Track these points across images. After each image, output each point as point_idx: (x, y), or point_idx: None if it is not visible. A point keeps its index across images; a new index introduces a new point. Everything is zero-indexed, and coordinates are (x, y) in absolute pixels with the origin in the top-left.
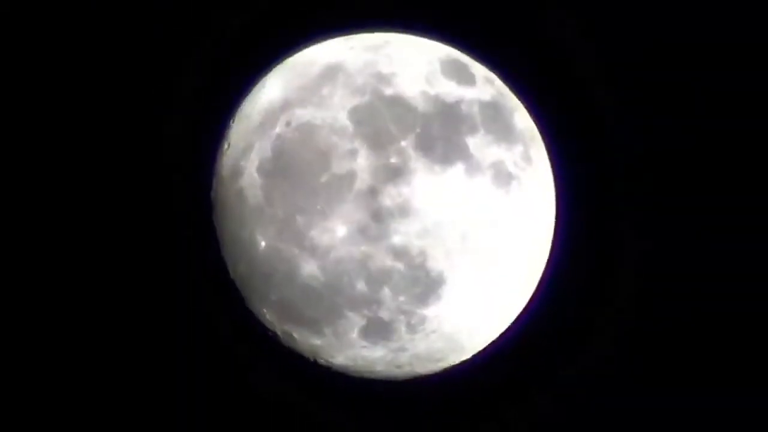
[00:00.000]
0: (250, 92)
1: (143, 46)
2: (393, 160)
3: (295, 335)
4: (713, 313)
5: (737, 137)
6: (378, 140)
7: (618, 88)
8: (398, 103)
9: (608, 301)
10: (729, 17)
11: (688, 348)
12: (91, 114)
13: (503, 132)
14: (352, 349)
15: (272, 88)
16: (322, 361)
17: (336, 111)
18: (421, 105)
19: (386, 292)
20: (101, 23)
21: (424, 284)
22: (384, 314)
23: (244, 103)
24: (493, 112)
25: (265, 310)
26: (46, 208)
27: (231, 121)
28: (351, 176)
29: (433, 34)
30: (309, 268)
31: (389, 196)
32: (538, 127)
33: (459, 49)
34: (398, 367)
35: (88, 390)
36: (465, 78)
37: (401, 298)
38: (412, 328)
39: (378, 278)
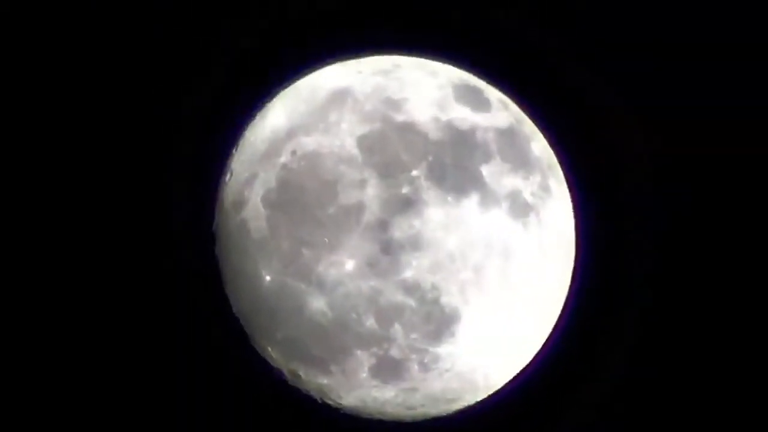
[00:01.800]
0: (253, 119)
1: (144, 71)
2: (404, 190)
3: (302, 374)
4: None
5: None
6: (388, 169)
7: (641, 114)
8: (409, 130)
9: (630, 338)
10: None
11: (713, 385)
12: (88, 139)
13: (520, 160)
14: (362, 389)
15: (277, 115)
16: (330, 402)
17: (344, 139)
18: (433, 132)
19: (397, 329)
20: (102, 52)
21: (437, 321)
22: (395, 352)
23: (247, 131)
24: (509, 139)
25: (270, 348)
26: (42, 208)
27: (234, 149)
28: (359, 207)
29: (445, 57)
30: (316, 303)
31: (400, 229)
32: (556, 155)
33: (473, 73)
34: (410, 408)
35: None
36: (479, 103)
37: (413, 336)
38: (424, 367)
39: (388, 314)
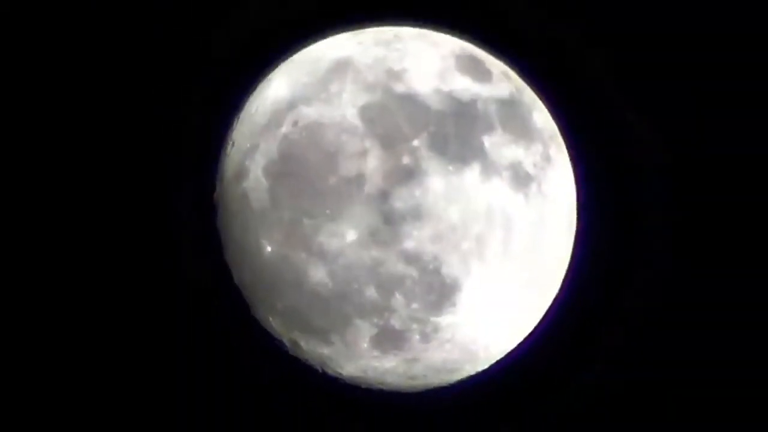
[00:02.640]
0: (255, 90)
1: (143, 41)
2: (405, 160)
3: (303, 344)
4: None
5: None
6: (389, 140)
7: (643, 84)
8: (410, 100)
9: (632, 308)
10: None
11: (716, 357)
12: (88, 112)
13: (521, 131)
14: (363, 360)
15: (278, 86)
16: (330, 372)
17: (345, 109)
18: (434, 103)
19: (398, 299)
20: (100, 20)
21: (438, 291)
22: (396, 323)
23: (248, 102)
24: (510, 109)
25: (271, 318)
26: (42, 209)
27: (235, 120)
28: (361, 178)
29: (446, 28)
30: (317, 274)
31: (401, 199)
32: (558, 126)
33: (474, 44)
34: (411, 378)
35: (85, 400)
36: (481, 74)
37: (414, 306)
38: (425, 338)
39: (389, 285)
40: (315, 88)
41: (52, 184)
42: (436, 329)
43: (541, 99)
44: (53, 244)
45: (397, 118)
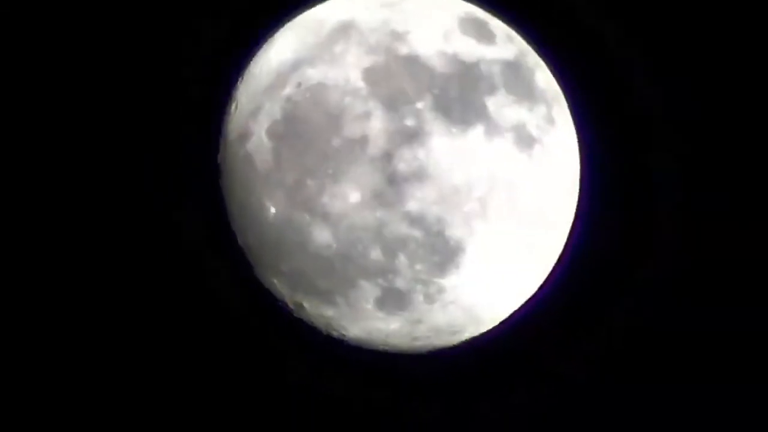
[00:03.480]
0: (259, 51)
1: (147, 4)
2: (408, 122)
3: (307, 306)
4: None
5: None
6: (393, 102)
7: (647, 45)
8: (414, 62)
9: (635, 271)
10: None
11: (720, 326)
12: (89, 71)
13: (525, 92)
14: (367, 321)
15: (282, 47)
16: (335, 333)
17: (349, 71)
18: (438, 64)
19: (402, 260)
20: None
21: (442, 252)
22: (400, 284)
23: (252, 63)
24: (514, 71)
25: (275, 280)
26: (42, 179)
27: (239, 81)
28: (364, 139)
29: None
30: (321, 235)
31: (404, 160)
32: (561, 87)
33: (478, 5)
34: (415, 339)
35: (91, 360)
36: (484, 36)
37: (418, 267)
38: (429, 299)
39: (393, 246)
40: (319, 49)
41: (52, 150)
42: (440, 290)
43: (544, 61)
44: (57, 211)
45: (401, 79)
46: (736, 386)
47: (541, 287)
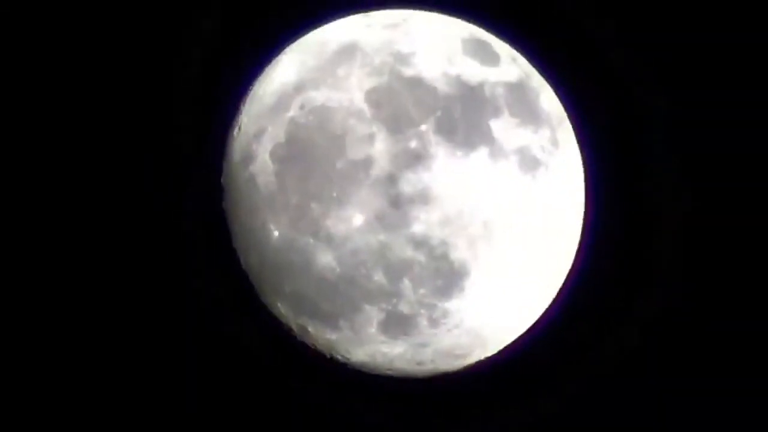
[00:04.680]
0: (262, 73)
1: (145, 22)
2: (412, 144)
3: (310, 330)
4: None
5: None
6: (397, 124)
7: (654, 67)
8: (418, 84)
9: (642, 293)
10: None
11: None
12: (90, 95)
13: (529, 114)
14: (371, 345)
15: (285, 69)
16: (338, 357)
17: (352, 93)
18: (442, 86)
19: (406, 284)
20: (106, 8)
21: (446, 276)
22: (404, 308)
23: (255, 85)
24: (518, 93)
25: (278, 303)
26: (41, 195)
27: (242, 103)
28: (368, 162)
29: (454, 11)
30: (324, 258)
31: (408, 183)
32: (566, 109)
33: (481, 27)
34: (419, 364)
35: (90, 388)
36: (488, 57)
37: (422, 291)
38: (433, 323)
39: (397, 269)
40: (322, 71)
41: (50, 170)
42: (445, 314)
43: (548, 83)
44: (55, 229)
45: (405, 101)
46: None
47: (547, 310)
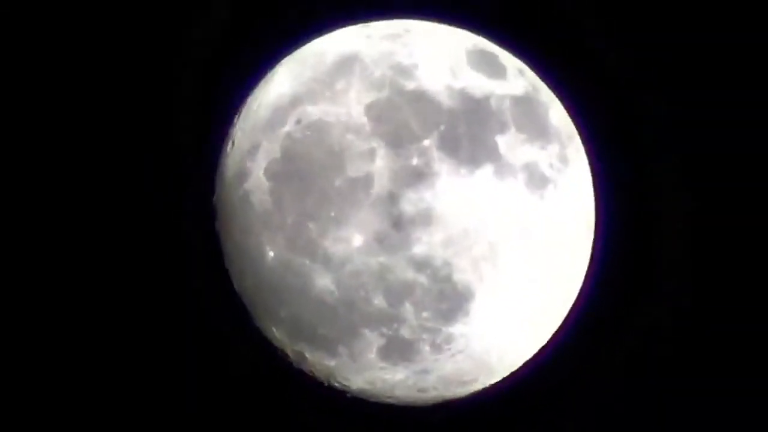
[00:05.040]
0: (256, 86)
1: (142, 32)
2: (414, 161)
3: (307, 356)
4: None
5: None
6: (398, 139)
7: (665, 81)
8: (420, 98)
9: (654, 317)
10: None
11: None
12: (80, 109)
13: (537, 130)
14: (370, 371)
15: (281, 82)
16: (336, 385)
17: (351, 107)
18: (445, 100)
19: (407, 307)
20: (92, 15)
21: (450, 299)
22: (405, 332)
23: (249, 99)
24: (525, 107)
25: (273, 328)
26: (34, 211)
27: (236, 118)
28: (368, 179)
29: (457, 21)
30: (322, 281)
31: (410, 202)
32: (575, 125)
33: (487, 38)
34: (422, 391)
35: (81, 415)
36: (494, 70)
37: (424, 315)
38: (436, 348)
39: (398, 293)
40: (320, 84)
41: (42, 186)
42: (448, 339)
43: (558, 96)
44: (46, 247)
45: (407, 116)
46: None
47: (556, 334)
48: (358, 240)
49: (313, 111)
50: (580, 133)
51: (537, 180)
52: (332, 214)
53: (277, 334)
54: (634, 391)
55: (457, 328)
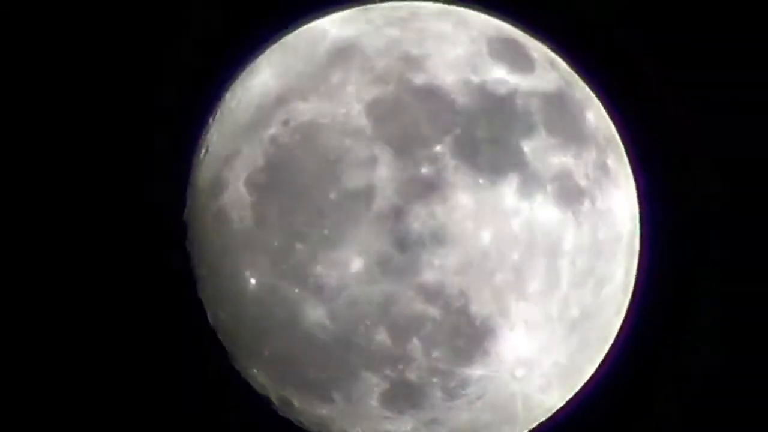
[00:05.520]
0: (235, 80)
1: (113, 26)
2: (424, 170)
3: (296, 403)
4: None
5: None
6: (405, 144)
7: (715, 78)
8: (431, 94)
9: (704, 358)
10: None
11: None
12: (51, 112)
13: (571, 133)
14: (371, 421)
15: (265, 75)
16: None
17: (349, 105)
18: (461, 98)
19: (415, 345)
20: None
21: (466, 335)
22: (412, 375)
23: (227, 95)
24: (557, 106)
25: (255, 370)
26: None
27: (211, 118)
28: (369, 192)
29: (478, 3)
30: (313, 313)
31: (418, 218)
32: (617, 127)
33: (513, 24)
34: None
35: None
36: (520, 61)
37: (435, 354)
38: (450, 394)
39: (404, 327)
40: (311, 78)
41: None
42: (464, 384)
43: (596, 94)
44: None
45: (415, 116)
46: None
47: (590, 379)
48: (356, 264)
49: (304, 110)
50: (623, 138)
51: (570, 193)
52: (325, 232)
53: (259, 377)
54: None
55: (474, 370)
